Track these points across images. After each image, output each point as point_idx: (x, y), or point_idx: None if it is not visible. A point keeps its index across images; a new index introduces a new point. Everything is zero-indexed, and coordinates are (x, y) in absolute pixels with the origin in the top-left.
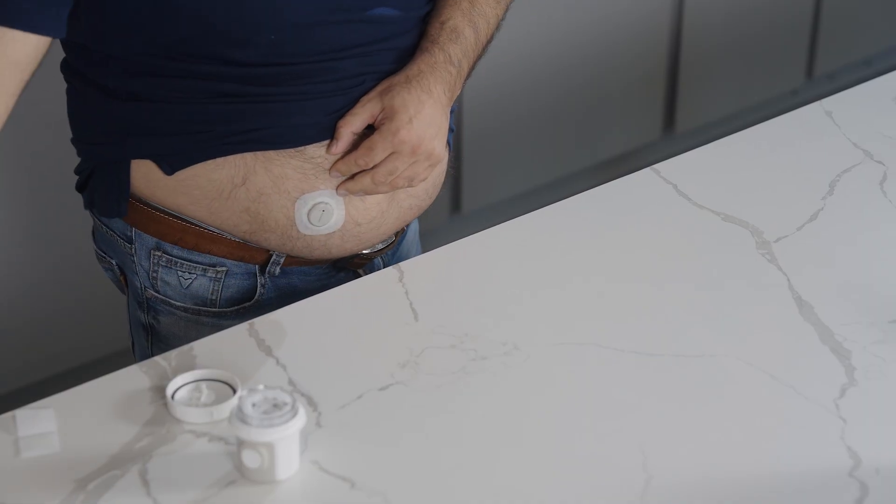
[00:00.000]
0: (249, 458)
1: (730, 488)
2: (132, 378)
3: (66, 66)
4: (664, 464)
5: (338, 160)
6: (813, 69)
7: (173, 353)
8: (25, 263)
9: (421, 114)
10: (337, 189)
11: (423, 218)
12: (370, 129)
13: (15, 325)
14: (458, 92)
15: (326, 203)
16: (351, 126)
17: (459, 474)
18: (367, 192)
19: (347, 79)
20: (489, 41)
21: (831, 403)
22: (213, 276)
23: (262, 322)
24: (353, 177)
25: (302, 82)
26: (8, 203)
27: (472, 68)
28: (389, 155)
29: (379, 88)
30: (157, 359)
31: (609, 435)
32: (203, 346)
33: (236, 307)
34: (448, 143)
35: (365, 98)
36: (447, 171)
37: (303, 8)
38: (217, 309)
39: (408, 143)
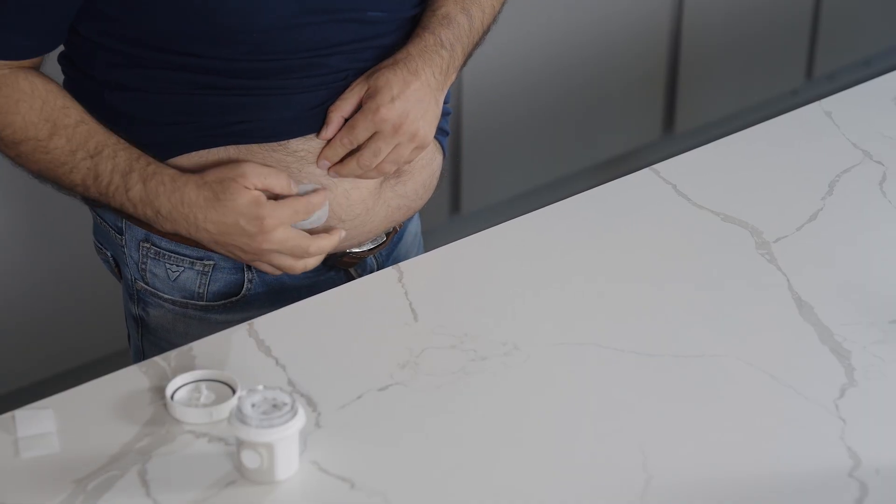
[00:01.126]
0: (249, 459)
1: (730, 488)
2: (132, 378)
3: (62, 58)
4: (664, 464)
5: (325, 146)
6: (813, 69)
7: (173, 354)
8: (25, 263)
9: (405, 94)
10: (328, 171)
11: (424, 218)
12: None
13: (15, 325)
14: (453, 77)
15: None
16: (340, 110)
17: (459, 474)
18: (359, 177)
19: (332, 74)
20: (486, 31)
21: (831, 404)
22: (201, 269)
23: (262, 322)
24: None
25: (287, 77)
26: (7, 203)
27: (469, 56)
28: (373, 136)
29: (368, 72)
30: (157, 359)
31: (609, 435)
32: (202, 347)
33: (224, 301)
34: (442, 145)
35: (354, 83)
36: (441, 174)
37: (287, 8)
38: (204, 302)
39: (389, 121)
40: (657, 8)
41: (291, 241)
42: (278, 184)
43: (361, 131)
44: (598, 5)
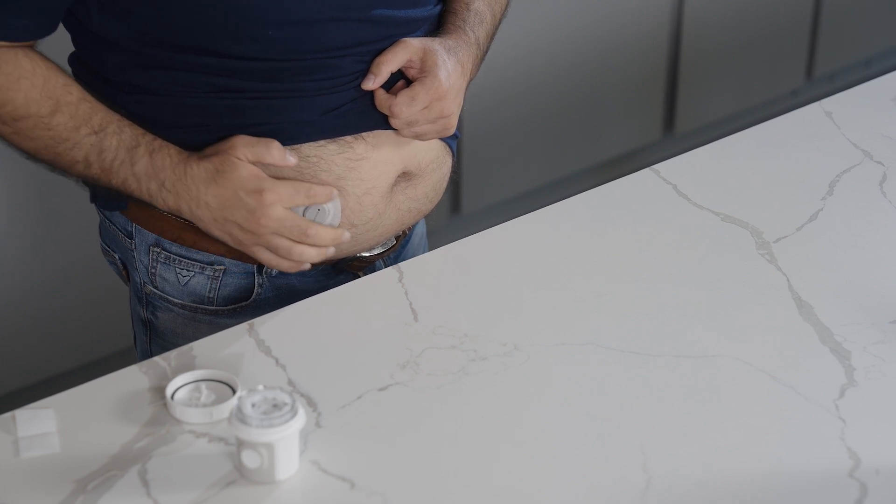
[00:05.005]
0: (249, 459)
1: (730, 489)
2: (132, 378)
3: (73, 60)
4: (664, 464)
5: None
6: (813, 70)
7: (173, 354)
8: (26, 264)
9: (452, 81)
10: (368, 86)
11: (424, 218)
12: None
13: (16, 325)
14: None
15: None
16: (390, 64)
17: (459, 475)
18: (385, 113)
19: (344, 76)
20: (496, 28)
21: (831, 404)
22: (211, 274)
23: (262, 322)
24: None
25: (300, 79)
26: (10, 204)
27: (486, 52)
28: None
29: (417, 44)
30: (157, 359)
31: (609, 435)
32: (203, 347)
33: (234, 306)
34: (451, 148)
35: (395, 47)
36: (449, 177)
37: (303, 4)
38: (214, 307)
39: (442, 91)
40: (657, 8)
41: (289, 221)
42: (269, 154)
43: (422, 95)
44: (599, 6)
